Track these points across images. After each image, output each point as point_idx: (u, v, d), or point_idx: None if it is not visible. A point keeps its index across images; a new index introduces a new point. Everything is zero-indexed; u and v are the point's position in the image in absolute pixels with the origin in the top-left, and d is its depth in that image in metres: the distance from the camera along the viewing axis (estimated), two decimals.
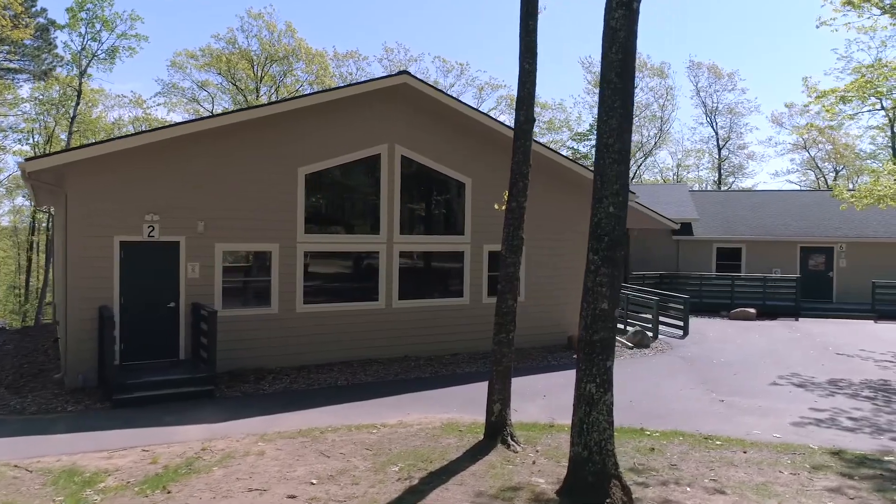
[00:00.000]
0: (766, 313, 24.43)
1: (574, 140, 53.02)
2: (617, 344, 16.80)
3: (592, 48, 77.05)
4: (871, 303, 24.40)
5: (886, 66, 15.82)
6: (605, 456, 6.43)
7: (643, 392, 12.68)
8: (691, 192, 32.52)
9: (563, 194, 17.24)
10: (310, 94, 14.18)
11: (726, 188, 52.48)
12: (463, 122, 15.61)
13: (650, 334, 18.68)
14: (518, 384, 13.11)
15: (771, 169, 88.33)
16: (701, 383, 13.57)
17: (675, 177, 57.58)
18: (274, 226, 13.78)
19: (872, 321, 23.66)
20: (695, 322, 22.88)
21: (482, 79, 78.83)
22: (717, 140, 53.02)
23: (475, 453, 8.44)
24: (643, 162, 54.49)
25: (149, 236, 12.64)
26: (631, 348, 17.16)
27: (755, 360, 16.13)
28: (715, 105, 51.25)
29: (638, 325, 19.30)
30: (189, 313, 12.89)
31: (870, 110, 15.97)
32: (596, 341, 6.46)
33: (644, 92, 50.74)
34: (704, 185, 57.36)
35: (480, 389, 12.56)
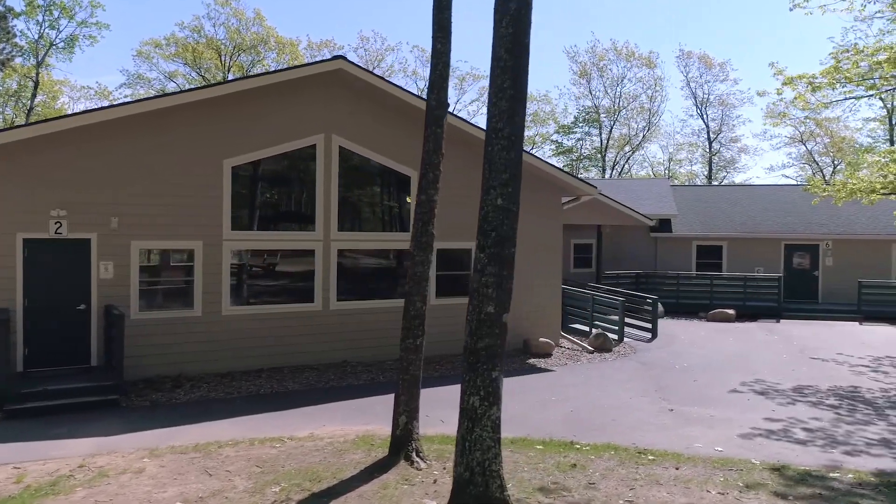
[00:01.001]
0: (747, 314, 24.00)
1: (560, 133, 52.57)
2: (577, 348, 16.39)
3: (578, 37, 76.61)
4: (857, 303, 23.97)
5: (862, 50, 15.34)
6: (489, 478, 5.93)
7: (589, 400, 12.21)
8: (673, 188, 32.07)
9: (525, 191, 16.65)
10: (236, 80, 13.63)
11: (717, 183, 52.06)
12: (407, 112, 15.10)
13: (615, 337, 18.22)
14: (452, 392, 12.60)
15: (766, 163, 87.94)
16: (655, 391, 13.10)
17: (666, 171, 57.16)
18: (197, 222, 13.25)
19: (858, 323, 23.25)
20: (669, 324, 22.45)
21: (463, 69, 78.38)
22: (708, 133, 52.65)
23: (373, 471, 7.94)
24: (631, 156, 54.03)
25: (56, 233, 12.09)
26: (591, 352, 16.69)
27: (721, 366, 15.68)
28: (706, 96, 50.85)
29: (605, 327, 18.84)
30: (102, 316, 12.36)
31: (846, 98, 15.46)
32: (480, 349, 5.96)
33: (632, 83, 50.36)
34: (696, 180, 56.97)
35: (426, 396, 12.14)
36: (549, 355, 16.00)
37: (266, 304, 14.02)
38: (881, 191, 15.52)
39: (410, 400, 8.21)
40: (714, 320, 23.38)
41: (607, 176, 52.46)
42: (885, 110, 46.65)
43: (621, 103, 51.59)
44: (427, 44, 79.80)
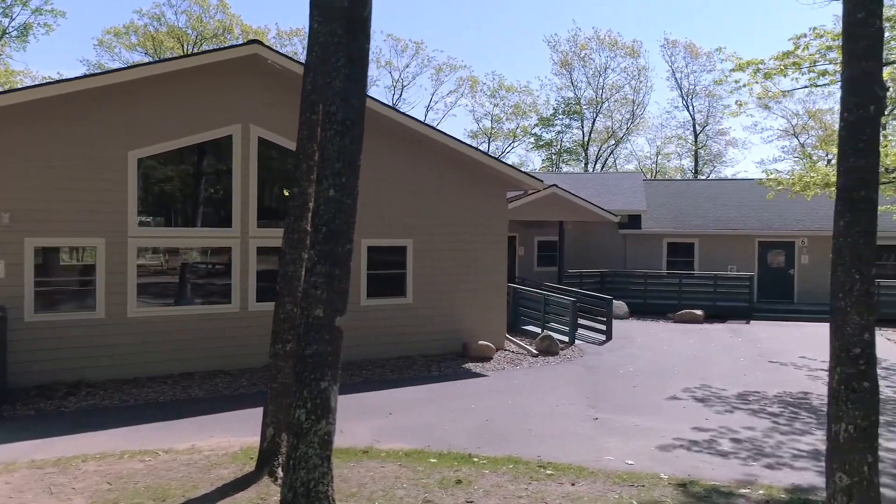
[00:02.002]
0: (716, 315, 23.66)
1: (540, 126, 52.20)
2: (522, 351, 16.00)
3: (559, 26, 76.17)
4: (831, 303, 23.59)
5: (822, 35, 14.95)
6: (315, 500, 5.52)
7: (511, 409, 11.82)
8: (647, 182, 31.73)
9: (465, 184, 16.34)
10: (141, 65, 13.19)
11: (704, 178, 51.75)
12: None
13: (566, 339, 17.85)
14: (373, 399, 12.34)
15: (756, 157, 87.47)
16: (587, 397, 12.72)
17: (654, 166, 56.82)
18: (100, 217, 12.80)
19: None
20: (631, 325, 22.11)
21: (440, 59, 78.25)
22: (694, 125, 52.33)
23: (230, 489, 7.52)
24: (615, 149, 53.66)
25: None
26: (535, 356, 16.30)
27: (670, 370, 15.32)
28: (692, 87, 50.48)
29: (557, 329, 18.47)
30: None
31: (806, 86, 15.07)
32: (308, 356, 5.55)
33: (616, 73, 49.97)
34: (687, 174, 56.63)
35: (348, 402, 11.77)
36: (488, 359, 15.61)
37: (178, 306, 13.59)
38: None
39: (278, 411, 7.78)
40: (681, 321, 23.03)
41: (590, 170, 52.06)
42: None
43: (604, 94, 51.23)
44: (402, 32, 79.27)
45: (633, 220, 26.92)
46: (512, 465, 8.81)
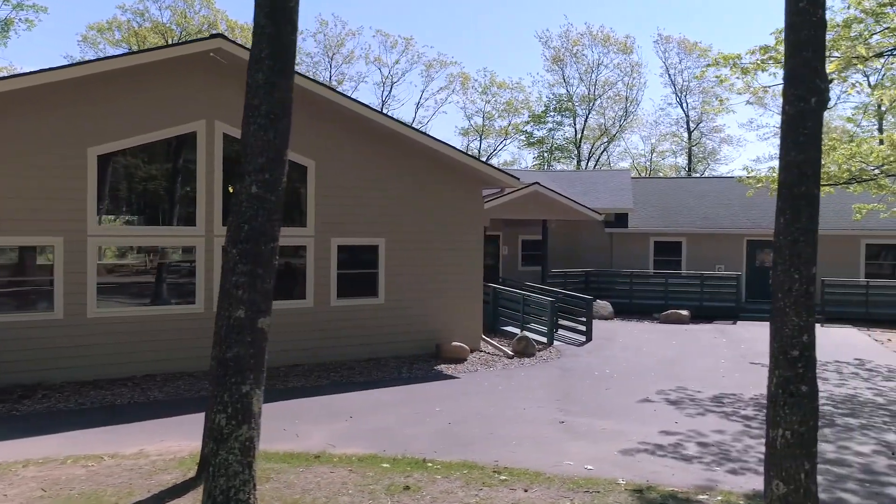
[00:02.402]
0: (703, 316, 23.53)
1: (532, 123, 52.01)
2: (498, 353, 15.87)
3: (550, 21, 76.01)
4: (820, 304, 23.52)
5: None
6: None
7: (477, 412, 11.68)
8: (635, 180, 31.61)
9: (439, 181, 16.19)
10: (100, 60, 13.01)
11: (699, 176, 51.63)
12: (302, 96, 14.50)
13: (545, 340, 17.74)
14: (337, 402, 12.19)
15: (752, 154, 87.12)
16: (556, 400, 12.60)
17: (648, 164, 56.69)
18: (58, 216, 12.64)
19: (819, 325, 22.77)
20: (615, 326, 22.00)
21: (430, 55, 78.13)
22: (688, 122, 52.17)
23: (167, 495, 7.37)
24: (607, 146, 53.48)
25: None
26: (511, 357, 16.17)
27: (646, 372, 15.21)
28: (686, 83, 50.35)
29: (536, 329, 18.34)
30: None
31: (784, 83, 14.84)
32: (229, 359, 5.41)
33: (609, 69, 49.81)
34: (682, 173, 56.51)
35: (292, 408, 11.63)
36: (461, 361, 15.47)
37: (140, 306, 13.43)
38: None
39: None
40: (667, 322, 22.90)
41: (583, 168, 51.90)
42: (872, 97, 46.19)
43: (597, 91, 51.06)
44: (391, 28, 79.02)
45: (620, 219, 26.79)
46: (466, 471, 8.67)
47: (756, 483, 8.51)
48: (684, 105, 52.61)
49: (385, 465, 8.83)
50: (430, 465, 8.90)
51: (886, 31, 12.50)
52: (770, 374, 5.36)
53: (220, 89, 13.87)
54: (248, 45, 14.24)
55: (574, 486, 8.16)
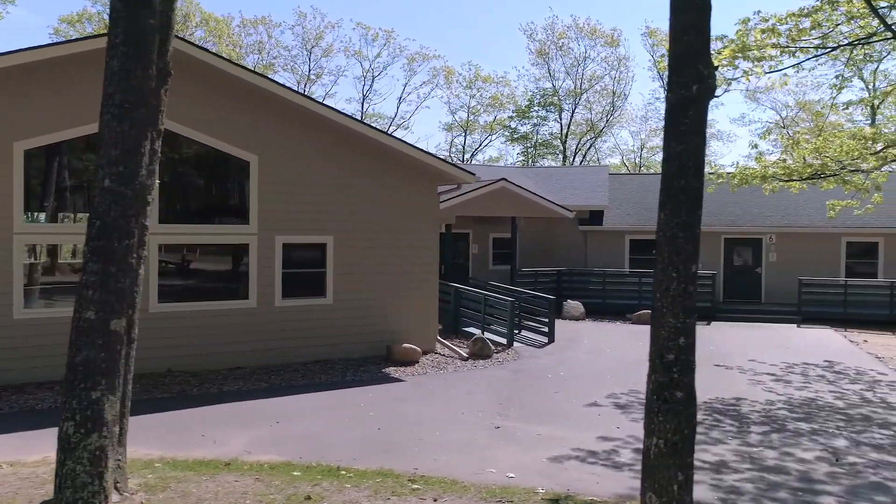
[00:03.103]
0: None
1: (517, 118, 51.78)
2: (453, 355, 15.68)
3: (535, 13, 75.75)
4: (797, 304, 23.36)
5: (766, 20, 14.60)
6: None
7: (412, 417, 11.48)
8: (613, 176, 31.44)
9: (392, 177, 15.98)
10: (24, 50, 12.75)
11: None
12: (245, 89, 14.34)
13: (504, 341, 17.55)
14: (270, 406, 11.97)
15: (743, 150, 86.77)
16: (499, 404, 12.41)
17: (638, 160, 56.53)
18: None
19: (796, 325, 22.63)
20: (584, 327, 21.86)
21: (412, 48, 77.87)
22: None
23: None
24: (594, 142, 53.26)
25: None
26: (465, 359, 15.97)
27: (602, 375, 15.03)
28: None
29: (497, 331, 18.15)
30: None
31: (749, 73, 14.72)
32: (78, 364, 5.21)
33: (596, 63, 49.61)
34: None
35: (219, 413, 11.42)
36: (413, 363, 15.27)
37: (71, 307, 13.18)
38: (780, 177, 14.86)
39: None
40: (639, 323, 22.70)
41: (569, 164, 51.69)
42: (866, 91, 46.15)
43: (584, 85, 50.80)
44: (372, 20, 78.68)
45: (595, 217, 26.60)
46: (380, 479, 8.48)
47: None
48: None
49: (296, 473, 8.63)
50: (343, 472, 8.70)
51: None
52: (647, 379, 5.16)
53: None
54: (182, 36, 13.87)
55: (488, 496, 7.96)
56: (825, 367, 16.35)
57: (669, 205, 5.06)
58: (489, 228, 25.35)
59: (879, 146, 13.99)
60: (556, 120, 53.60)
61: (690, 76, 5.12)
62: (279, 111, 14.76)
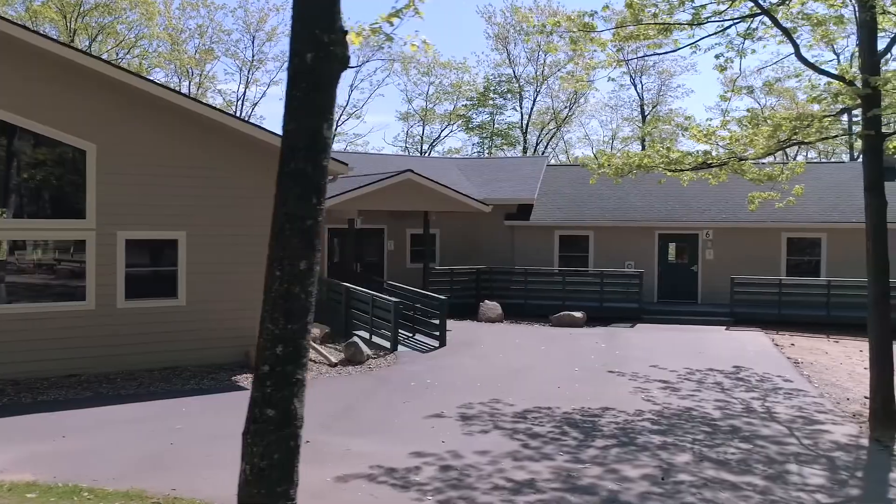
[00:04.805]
0: (602, 318, 22.93)
1: (477, 106, 51.20)
2: (322, 361, 15.25)
3: None
4: (729, 304, 22.96)
5: None
6: None
7: (222, 430, 10.88)
8: (551, 167, 31.03)
9: (254, 169, 15.46)
10: None
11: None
12: (80, 72, 13.82)
13: (387, 345, 17.17)
14: (66, 419, 11.50)
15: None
16: (332, 415, 12.05)
17: (609, 150, 55.98)
18: None
19: (725, 328, 22.22)
20: (491, 330, 21.57)
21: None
22: (642, 106, 51.54)
23: None
24: (556, 132, 52.76)
25: None
26: (334, 365, 15.52)
27: (473, 383, 14.67)
28: (641, 62, 49.65)
29: (384, 335, 17.72)
30: None
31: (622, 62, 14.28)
32: None
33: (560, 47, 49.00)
34: None
35: (5, 426, 10.94)
36: None
37: None
38: (659, 166, 14.43)
39: None
40: (559, 325, 22.29)
41: (529, 154, 51.19)
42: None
43: (546, 71, 50.32)
44: None
45: (523, 211, 26.12)
46: (123, 501, 8.03)
47: None
48: (639, 87, 52.04)
49: (31, 495, 8.17)
50: (86, 494, 8.26)
51: None
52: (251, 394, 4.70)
53: None
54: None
55: None
56: (729, 374, 15.96)
57: (279, 192, 4.59)
58: (406, 224, 24.86)
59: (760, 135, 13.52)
60: (514, 108, 53.12)
61: (306, 42, 4.65)
62: (120, 96, 14.25)
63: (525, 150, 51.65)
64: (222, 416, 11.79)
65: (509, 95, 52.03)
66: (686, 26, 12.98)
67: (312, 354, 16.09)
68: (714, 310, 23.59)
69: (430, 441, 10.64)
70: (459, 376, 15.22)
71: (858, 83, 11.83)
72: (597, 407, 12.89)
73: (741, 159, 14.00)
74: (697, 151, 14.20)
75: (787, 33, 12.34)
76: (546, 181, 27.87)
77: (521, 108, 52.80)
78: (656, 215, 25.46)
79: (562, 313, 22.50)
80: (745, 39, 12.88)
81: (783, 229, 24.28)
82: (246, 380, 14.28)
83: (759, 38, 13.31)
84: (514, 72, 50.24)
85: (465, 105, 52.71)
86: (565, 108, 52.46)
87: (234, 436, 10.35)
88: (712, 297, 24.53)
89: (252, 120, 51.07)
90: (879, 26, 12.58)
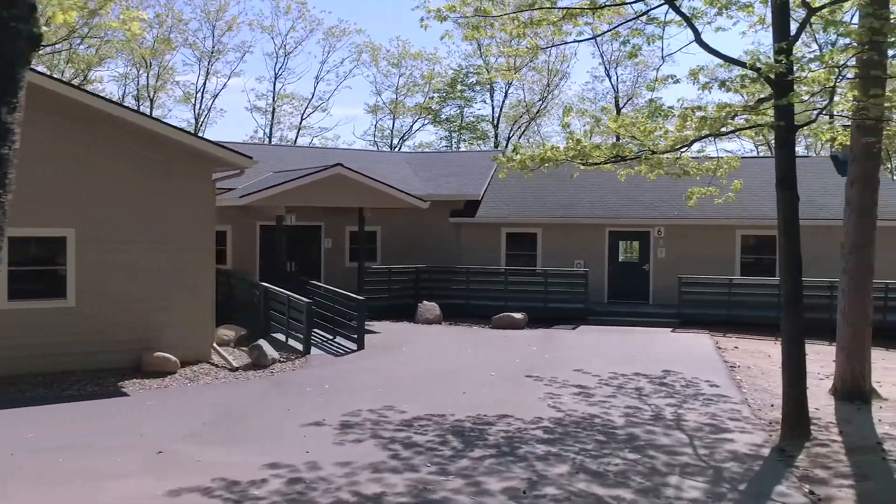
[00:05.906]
0: (546, 319, 22.68)
1: (440, 99, 50.81)
2: (224, 364, 15.02)
3: None
4: (677, 305, 22.72)
5: None
6: None
7: (80, 440, 10.80)
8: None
9: (152, 161, 15.18)
10: None
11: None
12: None
13: (300, 347, 16.95)
14: None
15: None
16: (204, 423, 11.82)
17: (589, 143, 55.73)
18: None
19: (671, 329, 21.98)
20: (421, 332, 21.37)
21: (329, 21, 77.13)
22: (616, 99, 51.25)
23: None
24: (528, 126, 52.48)
25: None
26: (234, 370, 15.24)
27: (375, 388, 14.42)
28: (616, 53, 49.38)
29: (296, 336, 17.45)
30: None
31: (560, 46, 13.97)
32: None
33: (532, 37, 48.77)
34: None
35: None
36: (164, 375, 14.54)
37: None
38: (567, 160, 14.24)
39: None
40: (500, 327, 22.03)
41: (501, 149, 50.86)
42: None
43: (518, 62, 49.90)
44: None
45: (470, 207, 25.84)
46: None
47: None
48: (614, 79, 51.74)
49: None
50: None
51: None
52: None
53: None
54: None
55: None
56: (654, 379, 15.71)
57: None
58: (345, 221, 24.56)
59: (671, 124, 13.30)
60: (484, 101, 52.83)
61: None
62: None
63: (497, 144, 51.33)
64: (80, 425, 11.54)
65: (478, 87, 51.77)
66: (588, 12, 12.73)
67: (214, 358, 15.84)
68: (663, 311, 23.35)
69: (293, 451, 10.36)
70: (364, 381, 14.95)
71: (761, 66, 11.55)
72: (494, 414, 12.61)
73: (653, 152, 13.73)
74: (607, 142, 13.96)
75: (687, 19, 12.10)
76: (497, 177, 27.55)
77: (493, 100, 52.60)
78: (607, 212, 25.22)
79: (502, 314, 22.24)
80: (647, 24, 12.66)
81: (737, 227, 24.06)
82: (133, 385, 14.01)
83: (667, 24, 13.07)
84: (485, 62, 49.93)
85: (433, 98, 52.38)
86: (539, 100, 52.13)
87: (75, 447, 10.19)
88: (664, 297, 24.25)
89: (212, 113, 50.75)
90: (792, 6, 12.36)
